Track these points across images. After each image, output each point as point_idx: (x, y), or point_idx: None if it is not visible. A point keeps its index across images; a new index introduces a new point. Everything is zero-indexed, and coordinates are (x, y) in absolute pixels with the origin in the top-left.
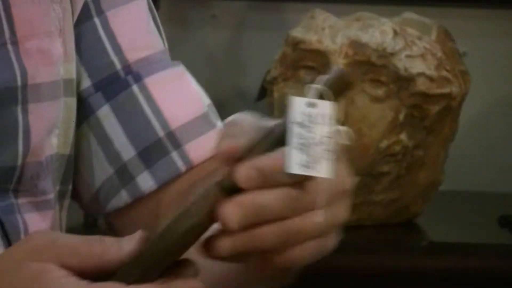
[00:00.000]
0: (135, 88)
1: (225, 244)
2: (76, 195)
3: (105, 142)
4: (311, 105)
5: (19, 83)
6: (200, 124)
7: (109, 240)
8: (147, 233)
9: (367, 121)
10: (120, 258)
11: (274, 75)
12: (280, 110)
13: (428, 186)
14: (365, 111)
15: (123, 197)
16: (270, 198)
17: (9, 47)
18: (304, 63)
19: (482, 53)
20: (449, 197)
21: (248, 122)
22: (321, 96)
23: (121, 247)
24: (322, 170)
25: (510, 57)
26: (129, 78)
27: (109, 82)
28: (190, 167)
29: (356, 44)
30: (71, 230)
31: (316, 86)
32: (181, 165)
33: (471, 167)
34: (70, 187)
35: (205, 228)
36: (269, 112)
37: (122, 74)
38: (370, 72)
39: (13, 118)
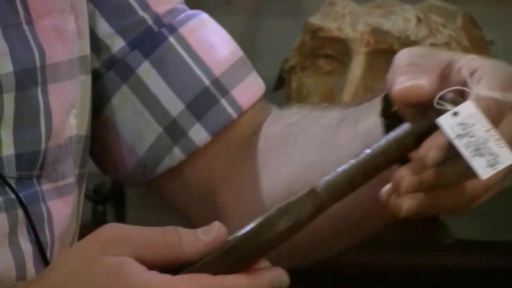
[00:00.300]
0: (171, 39)
1: (410, 204)
2: (113, 168)
3: (150, 100)
4: (455, 114)
5: (37, 63)
6: (240, 68)
7: (184, 231)
8: (224, 225)
9: None
10: (197, 249)
11: (292, 64)
12: (298, 100)
13: None
14: None
15: (176, 155)
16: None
17: (25, 26)
18: (323, 51)
19: (509, 41)
20: None
21: (426, 55)
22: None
23: (198, 237)
24: (507, 158)
25: None
26: (163, 30)
27: (144, 38)
28: (241, 113)
29: (377, 32)
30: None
31: (446, 95)
32: (232, 112)
33: None
34: (87, 169)
35: (305, 227)
36: (287, 102)
37: (155, 28)
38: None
39: (34, 101)
